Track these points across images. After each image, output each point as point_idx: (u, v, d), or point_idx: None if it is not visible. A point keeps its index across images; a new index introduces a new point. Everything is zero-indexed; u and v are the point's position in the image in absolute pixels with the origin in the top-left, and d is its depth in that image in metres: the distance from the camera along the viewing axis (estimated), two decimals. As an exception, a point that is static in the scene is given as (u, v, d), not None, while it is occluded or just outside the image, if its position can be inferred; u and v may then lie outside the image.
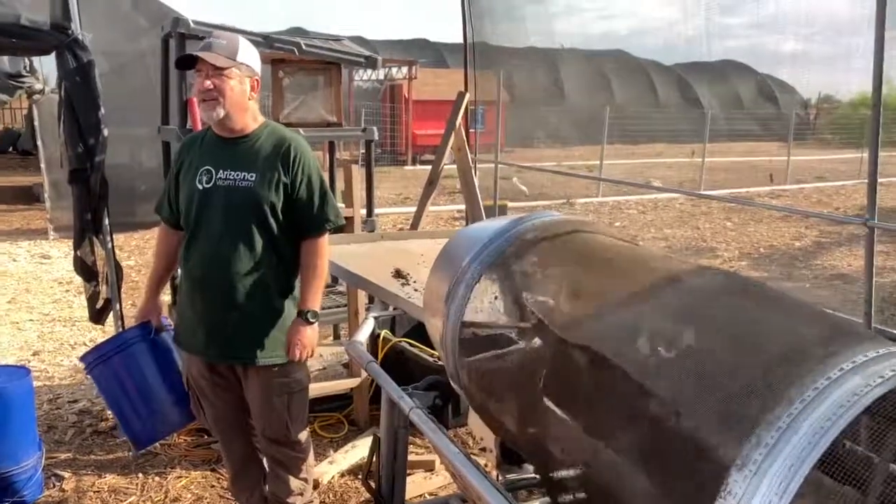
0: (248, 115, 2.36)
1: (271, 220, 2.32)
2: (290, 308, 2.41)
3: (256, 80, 2.35)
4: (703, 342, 1.37)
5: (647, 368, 1.40)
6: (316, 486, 3.18)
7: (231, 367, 2.43)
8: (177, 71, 3.42)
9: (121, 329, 3.82)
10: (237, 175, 2.31)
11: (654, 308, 1.60)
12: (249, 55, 2.33)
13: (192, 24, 3.31)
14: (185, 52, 3.45)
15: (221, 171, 2.33)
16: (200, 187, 2.34)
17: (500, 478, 2.16)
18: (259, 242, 2.31)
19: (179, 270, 2.53)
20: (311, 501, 2.61)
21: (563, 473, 1.63)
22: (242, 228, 2.30)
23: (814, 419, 1.03)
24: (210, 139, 2.40)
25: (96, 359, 2.61)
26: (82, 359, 2.69)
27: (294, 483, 2.52)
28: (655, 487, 1.28)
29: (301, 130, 3.59)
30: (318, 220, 2.37)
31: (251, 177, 2.31)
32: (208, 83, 2.24)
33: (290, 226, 2.37)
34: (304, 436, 2.53)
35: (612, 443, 1.41)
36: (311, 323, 2.37)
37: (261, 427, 2.47)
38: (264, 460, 2.59)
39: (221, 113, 2.28)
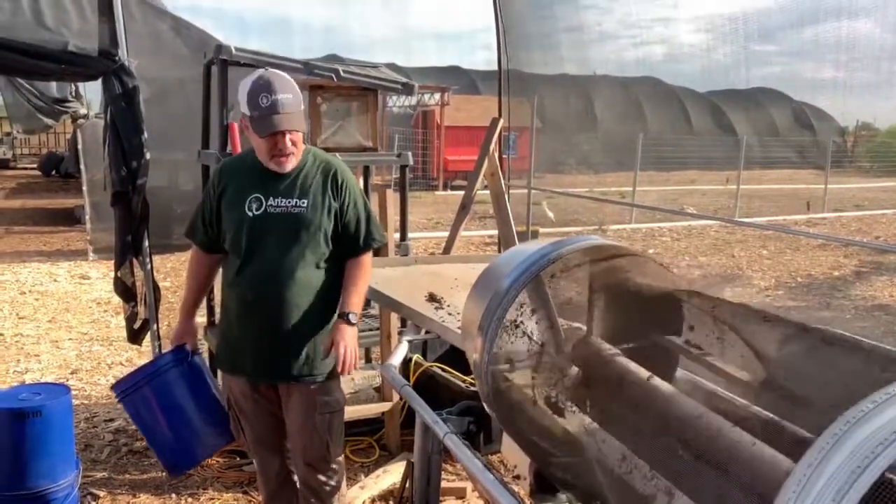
0: None
1: (322, 244, 2.39)
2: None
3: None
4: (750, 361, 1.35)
5: (692, 394, 1.38)
6: (347, 510, 3.16)
7: (274, 387, 2.46)
8: (219, 97, 3.50)
9: (157, 350, 3.87)
10: (289, 202, 2.38)
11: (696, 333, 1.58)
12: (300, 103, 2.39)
13: (234, 51, 3.39)
14: (227, 78, 3.54)
15: (272, 199, 2.38)
16: (251, 214, 2.38)
17: (534, 506, 2.13)
18: (311, 265, 2.37)
19: (221, 293, 2.56)
20: None
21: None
22: (296, 253, 2.35)
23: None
24: (255, 166, 2.43)
25: (129, 387, 2.61)
26: (114, 388, 2.69)
27: None
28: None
29: (338, 155, 3.64)
30: (365, 239, 2.46)
31: (303, 203, 2.37)
32: (289, 142, 2.31)
33: (337, 247, 2.43)
34: (340, 461, 2.54)
35: (659, 467, 1.38)
36: (352, 324, 2.40)
37: (301, 448, 2.47)
38: (297, 485, 2.58)
39: (294, 163, 2.37)
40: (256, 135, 2.30)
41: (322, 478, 2.48)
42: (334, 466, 2.50)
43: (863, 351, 1.45)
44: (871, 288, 8.05)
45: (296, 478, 2.59)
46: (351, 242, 2.44)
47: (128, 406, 2.65)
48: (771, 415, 1.52)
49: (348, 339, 2.37)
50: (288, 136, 2.30)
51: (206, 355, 3.42)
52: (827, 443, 0.98)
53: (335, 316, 2.44)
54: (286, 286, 2.35)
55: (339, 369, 2.37)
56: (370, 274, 2.51)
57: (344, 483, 2.58)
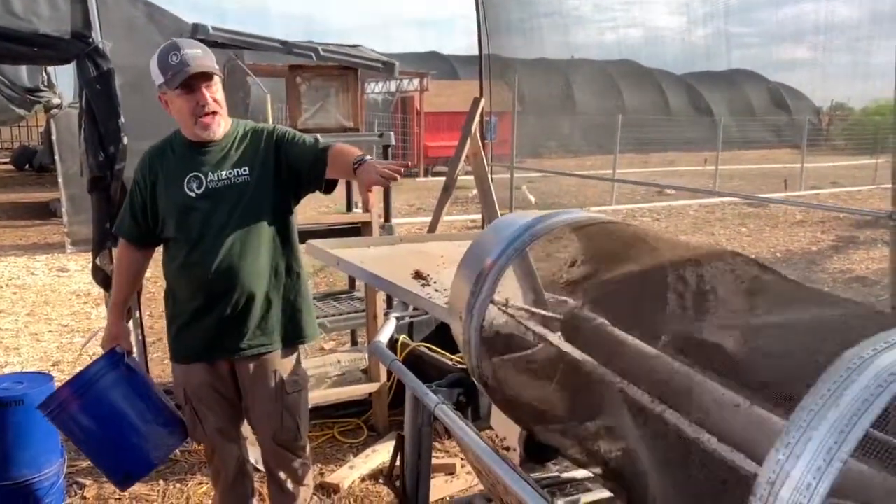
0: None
1: (274, 206, 2.35)
2: (300, 288, 2.45)
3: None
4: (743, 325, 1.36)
5: (682, 350, 1.39)
6: (336, 490, 3.16)
7: (232, 372, 2.39)
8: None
9: (141, 339, 3.83)
10: (230, 174, 2.31)
11: (686, 296, 1.59)
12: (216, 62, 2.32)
13: (211, 31, 3.34)
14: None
15: (211, 174, 2.31)
16: (193, 194, 2.31)
17: (525, 476, 2.14)
18: (266, 232, 2.33)
19: (166, 284, 2.45)
20: None
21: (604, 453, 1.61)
22: (249, 222, 2.31)
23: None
24: (183, 146, 2.36)
25: (55, 407, 2.39)
26: (40, 407, 2.43)
27: (300, 491, 2.51)
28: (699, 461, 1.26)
29: (319, 136, 3.60)
30: (319, 148, 2.34)
31: (244, 171, 2.32)
32: (210, 98, 2.23)
33: (292, 200, 2.40)
34: (306, 440, 2.54)
35: (650, 430, 1.39)
36: (364, 161, 2.19)
37: (271, 432, 2.42)
38: (254, 476, 2.59)
39: (223, 125, 2.30)
40: (174, 92, 2.21)
41: (294, 458, 2.47)
42: (304, 445, 2.50)
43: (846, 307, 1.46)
44: (848, 261, 8.16)
45: (250, 465, 2.57)
46: (310, 161, 2.33)
47: (60, 425, 2.46)
48: (760, 375, 1.54)
49: (371, 170, 2.13)
50: (207, 91, 2.22)
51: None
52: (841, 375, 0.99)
53: (296, 276, 2.43)
54: (242, 259, 2.29)
55: (390, 179, 2.14)
56: (346, 146, 2.36)
57: (310, 456, 2.60)
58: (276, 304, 2.38)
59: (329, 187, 2.42)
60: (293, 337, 2.44)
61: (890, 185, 2.87)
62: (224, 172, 2.31)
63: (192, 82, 2.21)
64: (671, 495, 1.36)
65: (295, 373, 2.45)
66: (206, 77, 2.22)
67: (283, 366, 2.41)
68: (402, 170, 2.15)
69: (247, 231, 2.31)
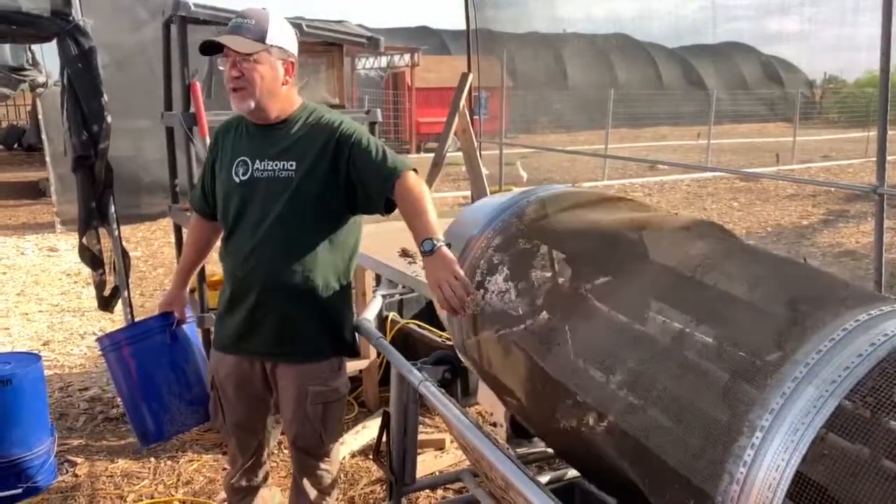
0: (284, 101, 2.15)
1: (315, 211, 2.13)
2: (337, 301, 2.23)
3: (292, 62, 2.13)
4: (719, 301, 1.37)
5: (662, 328, 1.40)
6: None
7: (263, 369, 2.28)
8: (179, 56, 3.39)
9: (129, 318, 3.83)
10: (276, 165, 2.12)
11: (665, 270, 1.59)
12: (282, 35, 2.10)
13: (192, 7, 3.29)
14: (186, 36, 3.44)
15: (259, 162, 2.14)
16: (237, 180, 2.17)
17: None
18: (304, 234, 2.14)
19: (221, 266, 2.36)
20: None
21: (579, 437, 1.62)
22: (285, 221, 2.12)
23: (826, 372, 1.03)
24: (246, 126, 2.23)
25: (112, 343, 2.51)
26: (98, 340, 2.59)
27: (315, 496, 2.36)
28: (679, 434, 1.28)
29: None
30: (387, 171, 2.09)
31: (291, 166, 2.12)
32: (234, 72, 2.06)
33: (338, 214, 2.17)
34: (335, 449, 2.35)
35: (632, 402, 1.41)
36: (432, 253, 1.93)
37: (292, 435, 2.31)
38: (268, 470, 2.51)
39: (252, 104, 2.09)
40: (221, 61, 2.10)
41: (316, 462, 2.34)
42: (327, 454, 2.33)
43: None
44: (838, 235, 8.20)
45: (267, 453, 2.50)
46: (375, 186, 2.10)
47: (109, 362, 2.56)
48: (740, 346, 1.55)
49: (439, 273, 1.90)
50: (234, 64, 2.06)
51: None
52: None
53: (342, 293, 2.22)
54: (273, 260, 2.13)
55: (448, 309, 1.91)
56: (420, 190, 2.08)
57: (336, 468, 2.43)
58: (308, 314, 2.18)
59: (389, 209, 2.17)
60: (326, 350, 2.22)
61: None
62: (271, 163, 2.13)
63: (228, 52, 2.06)
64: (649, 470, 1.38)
65: (324, 384, 2.22)
66: (241, 53, 2.05)
67: (309, 376, 2.21)
68: (469, 302, 1.87)
69: (283, 231, 2.13)
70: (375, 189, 2.11)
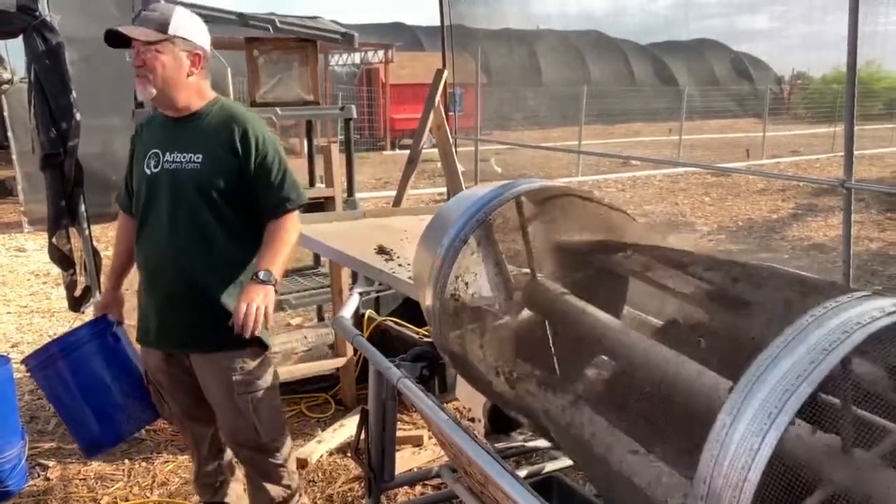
0: (190, 92, 2.20)
1: (222, 203, 2.18)
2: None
3: (198, 53, 2.19)
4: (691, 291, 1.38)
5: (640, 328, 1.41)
6: (304, 465, 3.18)
7: (187, 357, 2.30)
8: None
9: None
10: (183, 157, 2.17)
11: (641, 267, 1.61)
12: (187, 27, 2.16)
13: (162, 2, 3.24)
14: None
15: (168, 154, 2.19)
16: (148, 172, 2.21)
17: (489, 446, 2.17)
18: (209, 227, 2.17)
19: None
20: None
21: (563, 418, 1.64)
22: (190, 213, 2.17)
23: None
24: (160, 120, 2.28)
25: (42, 360, 2.43)
26: (25, 361, 2.48)
27: (275, 491, 2.39)
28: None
29: (278, 110, 3.55)
30: (278, 200, 2.21)
31: (197, 158, 2.17)
32: (137, 61, 2.12)
33: (246, 206, 2.22)
34: (280, 441, 2.37)
35: (607, 399, 1.42)
36: (262, 282, 2.12)
37: (228, 431, 2.34)
38: (233, 462, 2.50)
39: (153, 91, 2.14)
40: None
41: (262, 456, 2.35)
42: (274, 447, 2.35)
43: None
44: (807, 229, 8.35)
45: (224, 447, 2.50)
46: (263, 203, 2.21)
47: (41, 381, 2.49)
48: (713, 344, 1.58)
49: (252, 297, 2.08)
50: (136, 53, 2.11)
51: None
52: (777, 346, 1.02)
53: (241, 280, 2.23)
54: (181, 251, 2.18)
55: (236, 328, 2.09)
56: (291, 235, 2.24)
57: (293, 461, 2.45)
58: (216, 304, 2.20)
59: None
60: (242, 341, 2.19)
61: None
62: (179, 154, 2.18)
63: (135, 42, 2.12)
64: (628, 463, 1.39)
65: (246, 373, 2.25)
66: (144, 42, 2.12)
67: (227, 366, 2.23)
68: (244, 331, 2.07)
69: (191, 222, 2.17)
70: (262, 207, 2.22)
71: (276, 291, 2.16)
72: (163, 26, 2.12)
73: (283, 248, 2.21)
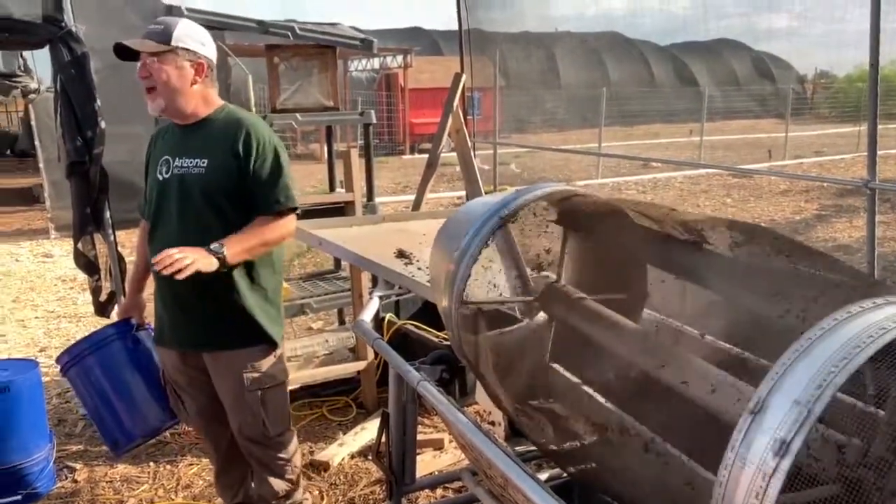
0: (196, 100, 2.27)
1: (227, 207, 2.24)
2: (256, 291, 2.33)
3: (201, 63, 2.25)
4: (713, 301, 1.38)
5: (661, 331, 1.41)
6: (326, 468, 3.20)
7: (201, 359, 2.37)
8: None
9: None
10: (190, 162, 2.25)
11: (665, 270, 1.61)
12: (189, 37, 2.23)
13: (185, 12, 3.30)
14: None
15: (177, 160, 2.27)
16: (160, 178, 2.29)
17: (509, 449, 2.17)
18: (215, 229, 2.22)
19: None
20: (301, 503, 2.56)
21: (573, 442, 1.64)
22: (197, 217, 2.24)
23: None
24: (171, 128, 2.36)
25: (73, 357, 2.53)
26: (58, 360, 2.60)
27: (279, 485, 2.46)
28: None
29: (298, 115, 3.59)
30: (268, 199, 2.25)
31: (203, 163, 2.24)
32: (143, 72, 2.20)
33: (249, 208, 2.27)
34: (286, 437, 2.45)
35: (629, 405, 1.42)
36: (211, 250, 2.13)
37: (236, 426, 2.40)
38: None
39: (162, 103, 2.23)
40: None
41: (268, 451, 2.42)
42: (279, 442, 2.43)
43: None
44: (832, 230, 8.24)
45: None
46: (255, 203, 2.26)
47: (71, 378, 2.58)
48: (736, 348, 1.57)
49: (189, 251, 2.08)
50: (142, 66, 2.20)
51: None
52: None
53: (257, 289, 2.32)
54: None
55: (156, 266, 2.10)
56: (270, 233, 2.26)
57: (298, 456, 2.51)
58: (227, 305, 2.27)
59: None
60: (250, 339, 2.32)
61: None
62: (186, 160, 2.25)
63: (132, 59, 2.21)
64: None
65: (258, 371, 2.33)
66: (149, 54, 2.19)
67: (239, 363, 2.31)
68: (158, 268, 2.07)
69: (199, 224, 2.23)
70: (255, 205, 2.26)
71: (218, 267, 2.14)
72: (166, 38, 2.20)
73: (253, 239, 2.23)
